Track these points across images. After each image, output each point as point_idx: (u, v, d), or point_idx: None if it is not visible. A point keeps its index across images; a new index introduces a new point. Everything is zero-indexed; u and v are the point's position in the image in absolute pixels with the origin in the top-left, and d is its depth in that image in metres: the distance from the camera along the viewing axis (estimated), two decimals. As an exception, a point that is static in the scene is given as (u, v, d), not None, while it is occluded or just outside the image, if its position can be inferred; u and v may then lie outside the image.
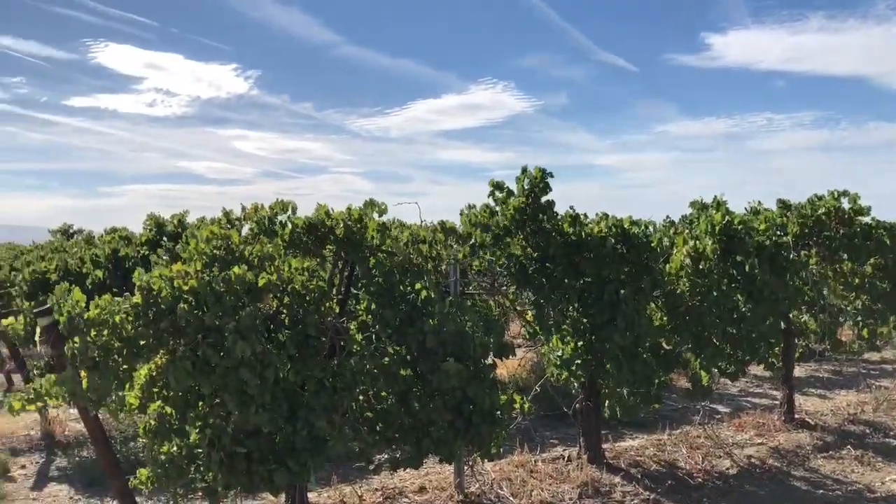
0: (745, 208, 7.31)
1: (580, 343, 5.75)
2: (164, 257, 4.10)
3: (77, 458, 6.35)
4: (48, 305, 3.80)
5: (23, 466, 6.30)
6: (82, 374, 3.65)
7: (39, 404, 3.65)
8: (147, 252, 7.66)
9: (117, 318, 3.65)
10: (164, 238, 7.90)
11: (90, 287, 7.20)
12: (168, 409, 3.97)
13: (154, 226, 8.06)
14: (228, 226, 4.24)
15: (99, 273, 7.28)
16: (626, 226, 5.71)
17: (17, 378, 10.17)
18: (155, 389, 3.88)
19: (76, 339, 3.62)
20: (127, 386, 3.72)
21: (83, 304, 3.75)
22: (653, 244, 5.75)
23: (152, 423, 3.96)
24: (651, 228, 6.01)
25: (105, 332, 3.66)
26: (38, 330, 3.80)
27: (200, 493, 3.86)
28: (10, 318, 7.75)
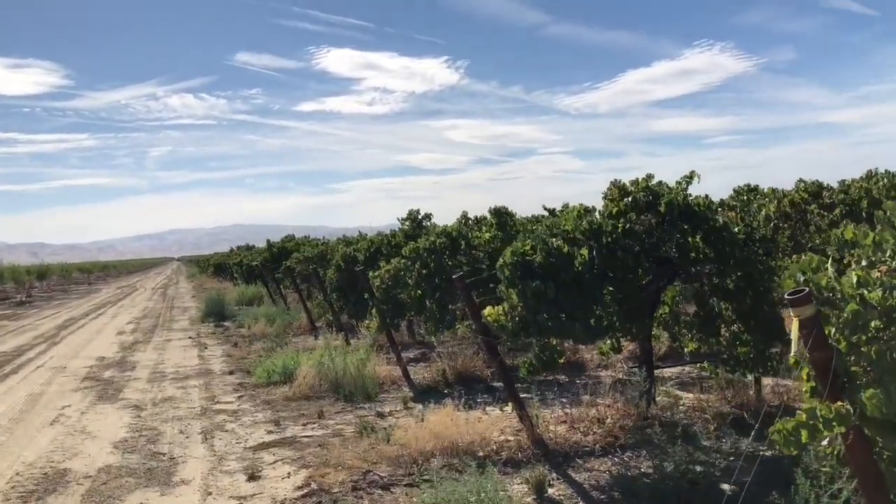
0: None
1: None
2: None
3: (607, 476, 5.41)
4: (801, 290, 2.63)
5: (549, 484, 5.40)
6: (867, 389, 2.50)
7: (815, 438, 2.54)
8: (623, 224, 6.69)
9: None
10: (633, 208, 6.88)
11: (578, 269, 6.39)
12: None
13: (618, 195, 7.06)
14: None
15: (584, 252, 6.44)
16: None
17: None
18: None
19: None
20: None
21: (834, 277, 2.60)
22: None
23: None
24: None
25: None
26: (794, 325, 2.67)
27: None
28: (489, 308, 7.27)
